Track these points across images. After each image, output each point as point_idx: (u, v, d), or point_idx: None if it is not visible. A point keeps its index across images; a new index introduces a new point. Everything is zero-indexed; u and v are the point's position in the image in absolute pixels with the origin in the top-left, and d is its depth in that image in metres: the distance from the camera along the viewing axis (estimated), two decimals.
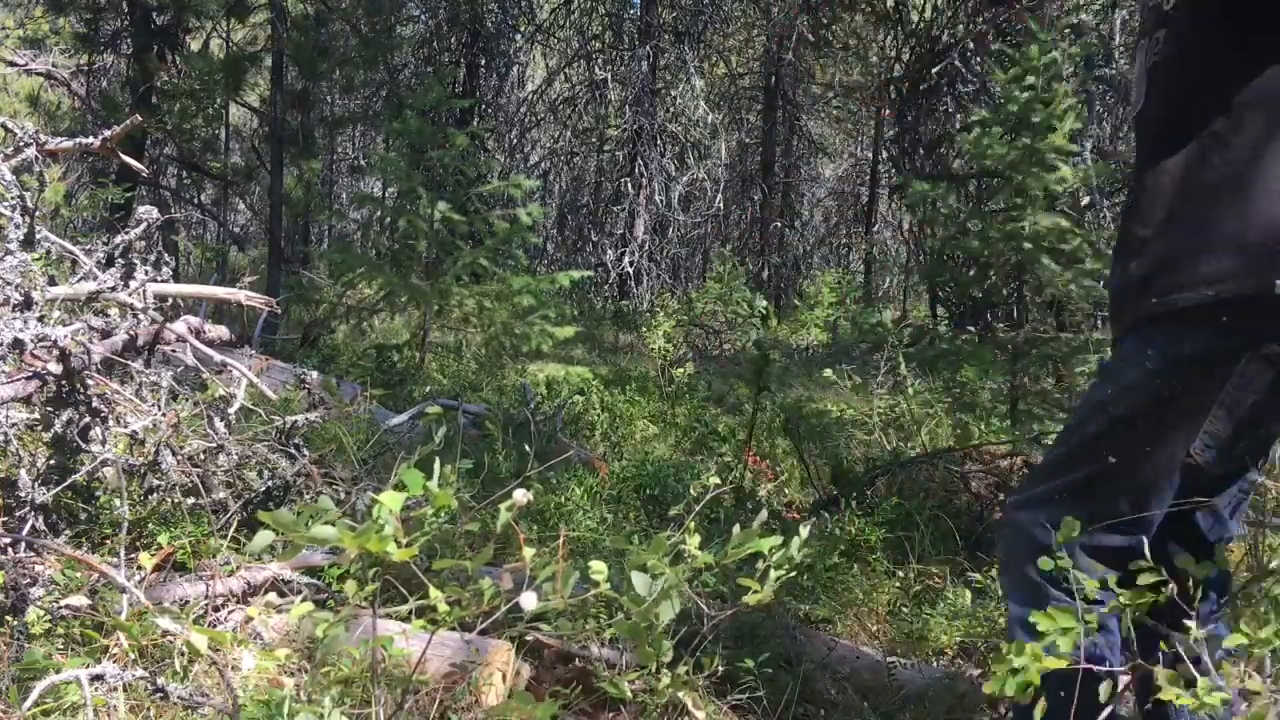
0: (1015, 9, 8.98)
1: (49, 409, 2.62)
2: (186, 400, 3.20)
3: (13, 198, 2.92)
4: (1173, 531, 1.65)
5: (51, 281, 3.27)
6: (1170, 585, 1.34)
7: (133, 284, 3.31)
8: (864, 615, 3.23)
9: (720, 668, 2.47)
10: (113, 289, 3.22)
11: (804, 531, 1.57)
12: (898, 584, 3.37)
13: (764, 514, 1.57)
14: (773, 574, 1.54)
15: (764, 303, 11.04)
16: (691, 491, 3.93)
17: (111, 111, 9.54)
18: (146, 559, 2.31)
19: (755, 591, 1.53)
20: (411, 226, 7.62)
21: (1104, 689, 1.34)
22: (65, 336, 2.58)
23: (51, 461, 2.62)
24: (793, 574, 1.56)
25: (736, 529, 1.51)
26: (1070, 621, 1.30)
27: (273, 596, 2.53)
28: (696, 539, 1.53)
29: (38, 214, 3.09)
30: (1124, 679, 1.67)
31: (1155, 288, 1.55)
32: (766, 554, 1.51)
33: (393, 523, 1.37)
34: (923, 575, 3.45)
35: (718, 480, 1.91)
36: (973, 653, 2.99)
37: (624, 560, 1.55)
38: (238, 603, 2.56)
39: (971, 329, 6.21)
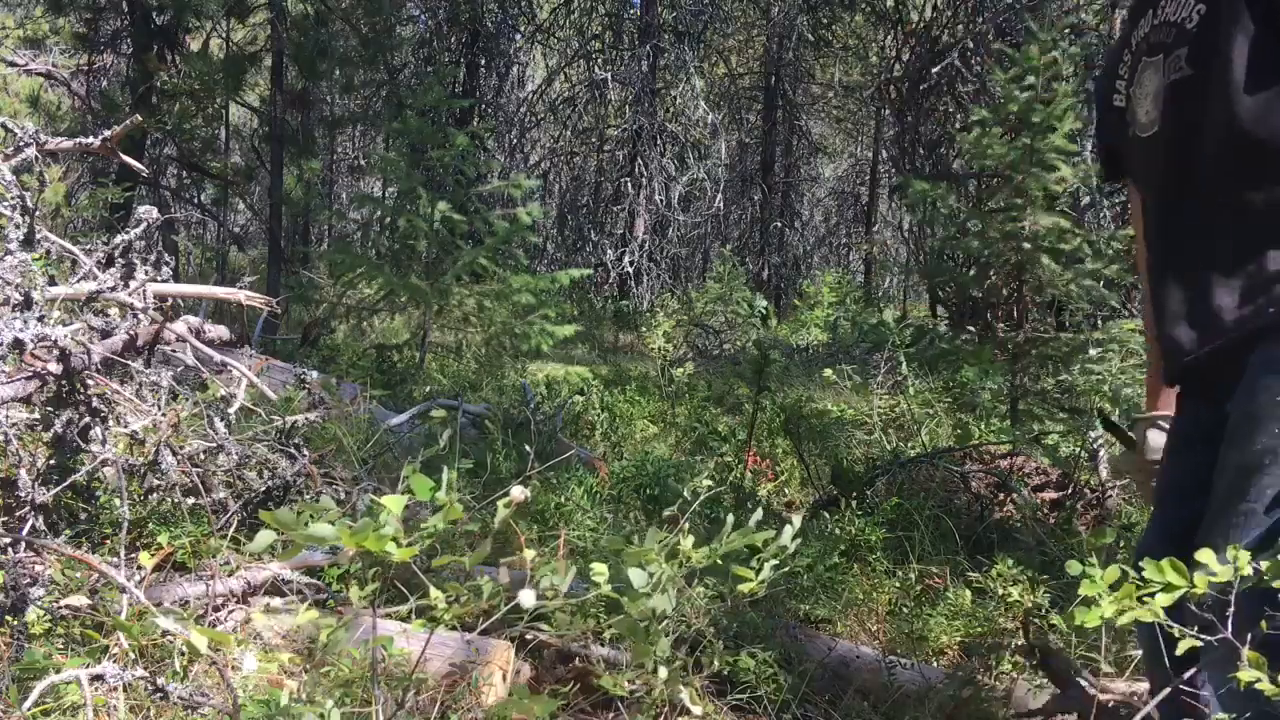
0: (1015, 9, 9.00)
1: (49, 409, 2.62)
2: (186, 400, 3.20)
3: (13, 198, 2.92)
4: None
5: (51, 281, 3.27)
6: None
7: (133, 284, 3.31)
8: (864, 615, 3.23)
9: (720, 668, 2.47)
10: (113, 289, 3.22)
11: (796, 521, 1.57)
12: (898, 584, 3.37)
13: (759, 512, 1.57)
14: (767, 565, 1.54)
15: (764, 303, 11.06)
16: (686, 493, 3.93)
17: (111, 111, 9.54)
18: (146, 559, 2.31)
19: (749, 581, 1.53)
20: (411, 226, 7.62)
21: None
22: (65, 336, 2.58)
23: (51, 461, 2.62)
24: (786, 566, 1.56)
25: (729, 519, 1.51)
26: None
27: (273, 598, 2.53)
28: (691, 539, 1.53)
29: (38, 214, 3.09)
30: None
31: None
32: (761, 546, 1.52)
33: (393, 522, 1.37)
34: (923, 575, 3.45)
35: (710, 482, 1.91)
36: (973, 652, 2.99)
37: (622, 559, 1.56)
38: (238, 603, 2.56)
39: (971, 329, 6.20)
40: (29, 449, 2.63)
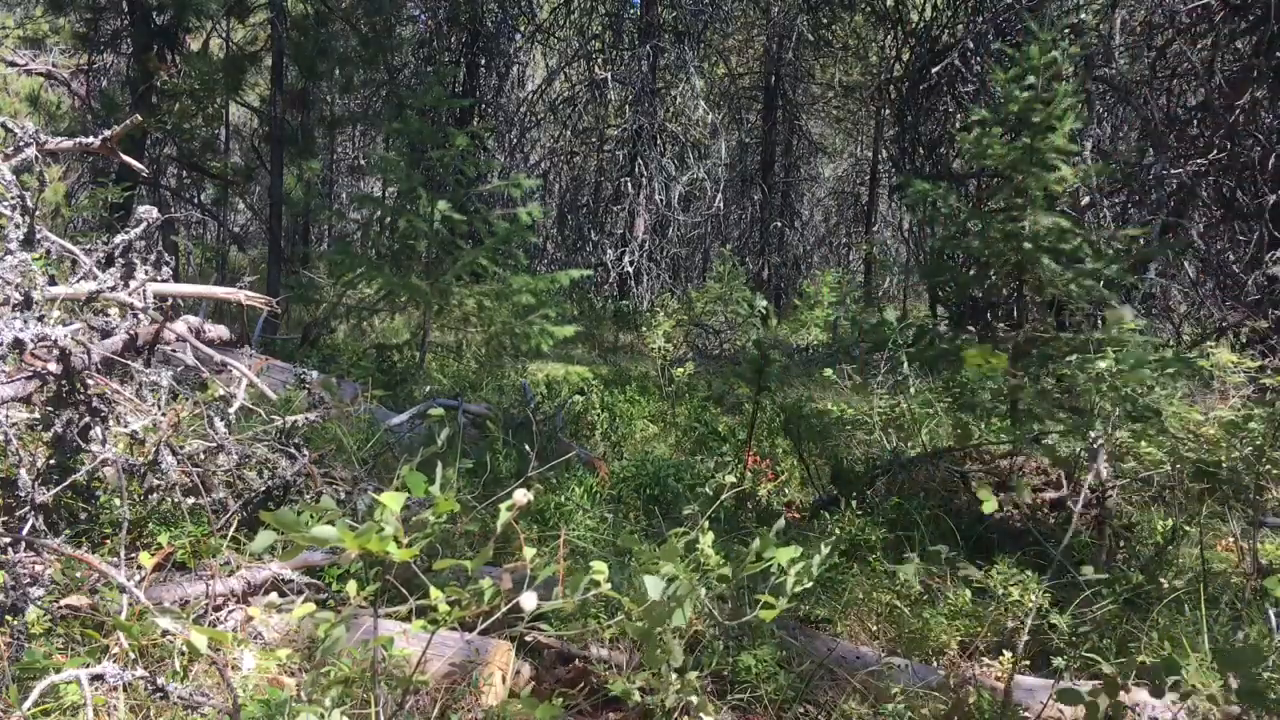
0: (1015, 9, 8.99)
1: (49, 409, 2.62)
2: (186, 400, 3.20)
3: (13, 198, 2.92)
4: None
5: (51, 281, 3.27)
6: None
7: (133, 284, 3.31)
8: (864, 615, 3.23)
9: (722, 668, 2.47)
10: (113, 289, 3.22)
11: (825, 549, 1.57)
12: (899, 585, 3.37)
13: (781, 523, 1.57)
14: (791, 587, 1.53)
15: (764, 303, 11.03)
16: (707, 489, 3.93)
17: (111, 111, 9.54)
18: (146, 559, 2.31)
19: (771, 605, 1.52)
20: (411, 226, 7.62)
21: None
22: (65, 336, 2.58)
23: (51, 461, 2.62)
24: (810, 585, 1.56)
25: (756, 542, 1.50)
26: None
27: (273, 596, 2.53)
28: (710, 537, 1.53)
29: (38, 214, 3.09)
30: None
31: None
32: (785, 566, 1.51)
33: (394, 523, 1.37)
34: (923, 574, 3.45)
35: (734, 479, 1.91)
36: (973, 653, 2.99)
37: (626, 560, 1.56)
38: (238, 602, 2.56)
39: (971, 329, 6.20)
40: (29, 449, 2.63)
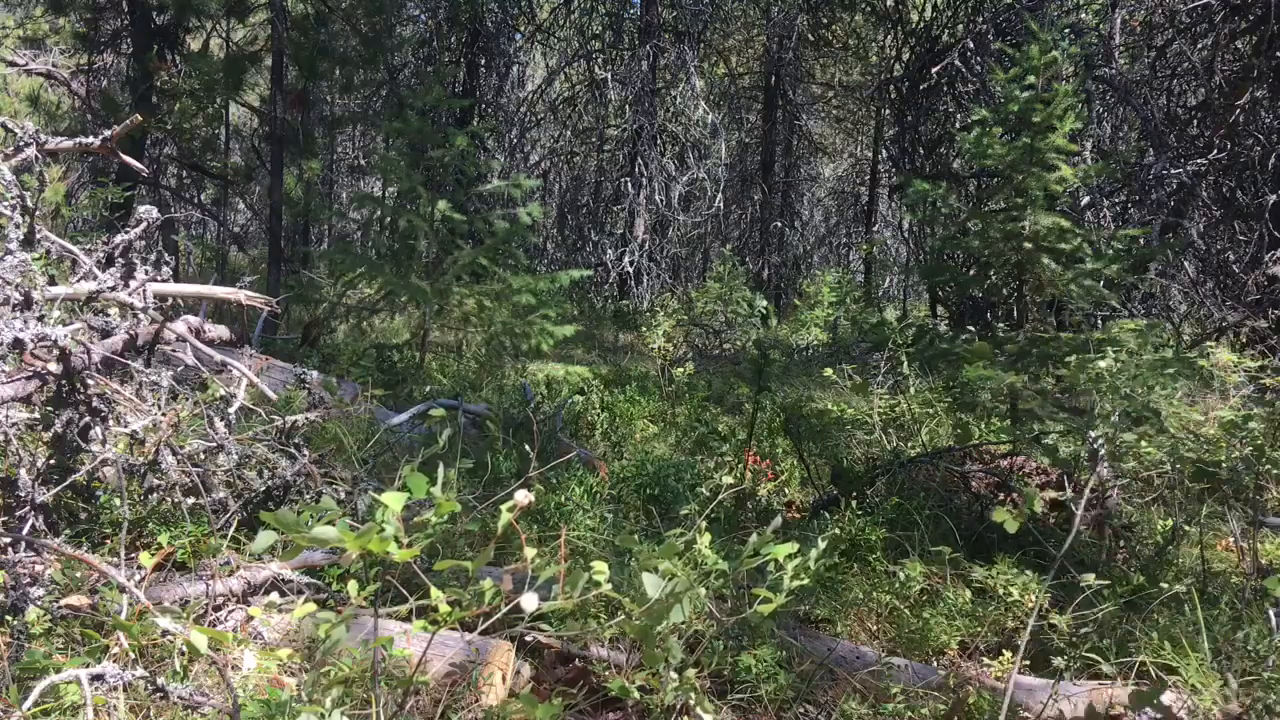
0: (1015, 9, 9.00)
1: (49, 409, 2.62)
2: (186, 400, 3.20)
3: (13, 198, 2.92)
4: None
5: (51, 281, 3.27)
6: None
7: (133, 284, 3.31)
8: (864, 615, 3.23)
9: (723, 668, 2.47)
10: (113, 289, 3.22)
11: (822, 544, 1.57)
12: (899, 583, 3.37)
13: (778, 520, 1.57)
14: (789, 582, 1.54)
15: (764, 303, 11.05)
16: (704, 490, 3.92)
17: (111, 111, 9.53)
18: (146, 559, 2.31)
19: (769, 600, 1.52)
20: (412, 226, 7.62)
21: None
22: (65, 336, 2.58)
23: (51, 461, 2.62)
24: (807, 582, 1.56)
25: (754, 539, 1.51)
26: None
27: (273, 596, 2.53)
28: (708, 537, 1.53)
29: (38, 214, 3.09)
30: None
31: None
32: (782, 561, 1.51)
33: (394, 524, 1.37)
34: (923, 575, 3.45)
35: (731, 480, 1.92)
36: (973, 653, 2.99)
37: (626, 560, 1.56)
38: (238, 602, 2.56)
39: (971, 329, 6.20)
40: (29, 449, 2.63)
